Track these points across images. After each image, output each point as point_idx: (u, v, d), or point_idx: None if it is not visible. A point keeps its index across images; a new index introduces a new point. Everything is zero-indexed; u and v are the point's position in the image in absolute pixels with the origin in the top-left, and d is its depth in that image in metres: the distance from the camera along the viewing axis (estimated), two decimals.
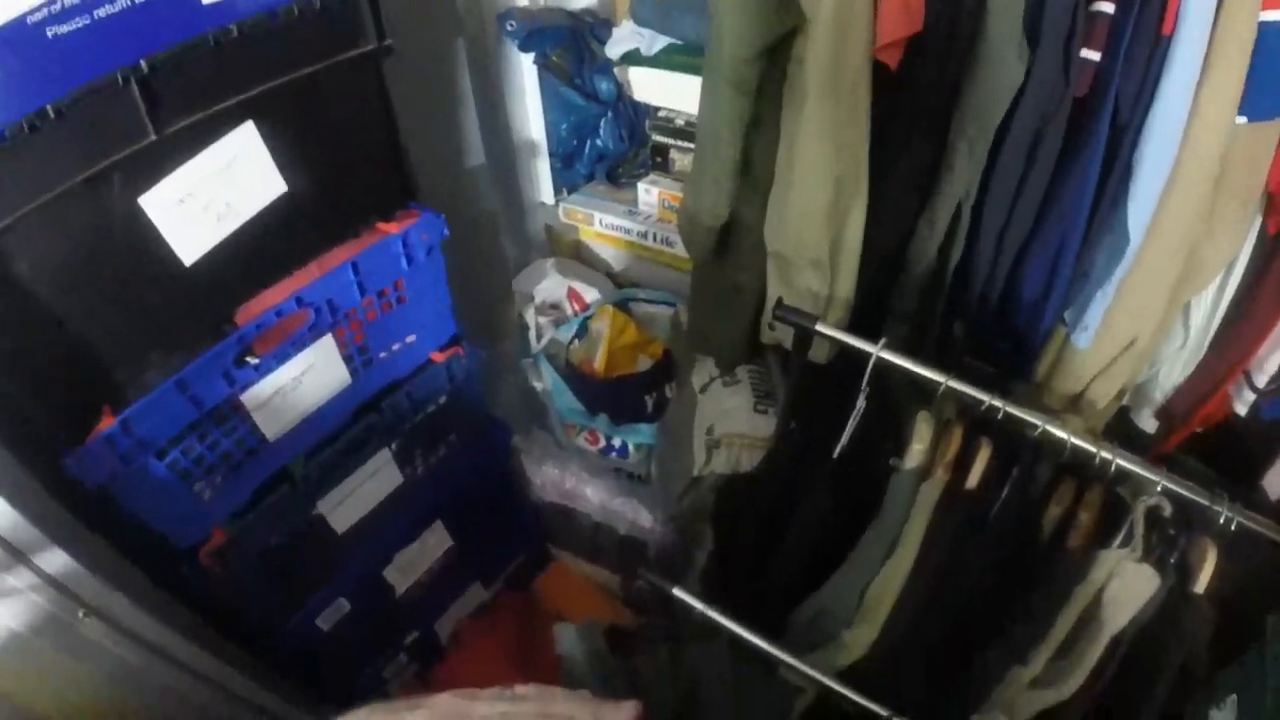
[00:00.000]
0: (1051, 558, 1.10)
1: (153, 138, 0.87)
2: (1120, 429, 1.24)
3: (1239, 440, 1.18)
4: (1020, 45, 0.90)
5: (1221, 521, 1.03)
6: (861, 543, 1.15)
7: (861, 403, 1.15)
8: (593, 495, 1.69)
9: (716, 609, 1.17)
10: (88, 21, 0.78)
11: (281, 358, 1.08)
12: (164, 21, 0.84)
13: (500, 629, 1.65)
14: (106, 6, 0.79)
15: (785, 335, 1.34)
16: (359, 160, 1.14)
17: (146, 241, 0.92)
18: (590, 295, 1.76)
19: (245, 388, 1.05)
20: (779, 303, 1.21)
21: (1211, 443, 1.21)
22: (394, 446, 1.28)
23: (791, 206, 1.15)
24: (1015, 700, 1.07)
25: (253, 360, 1.05)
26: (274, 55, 0.96)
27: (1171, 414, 1.20)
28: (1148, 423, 1.21)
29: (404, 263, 1.18)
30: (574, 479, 1.69)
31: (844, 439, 1.18)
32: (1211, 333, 1.10)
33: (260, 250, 1.04)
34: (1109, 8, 0.87)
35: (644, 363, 1.74)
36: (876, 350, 1.11)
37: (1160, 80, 0.88)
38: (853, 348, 1.14)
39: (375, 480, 1.26)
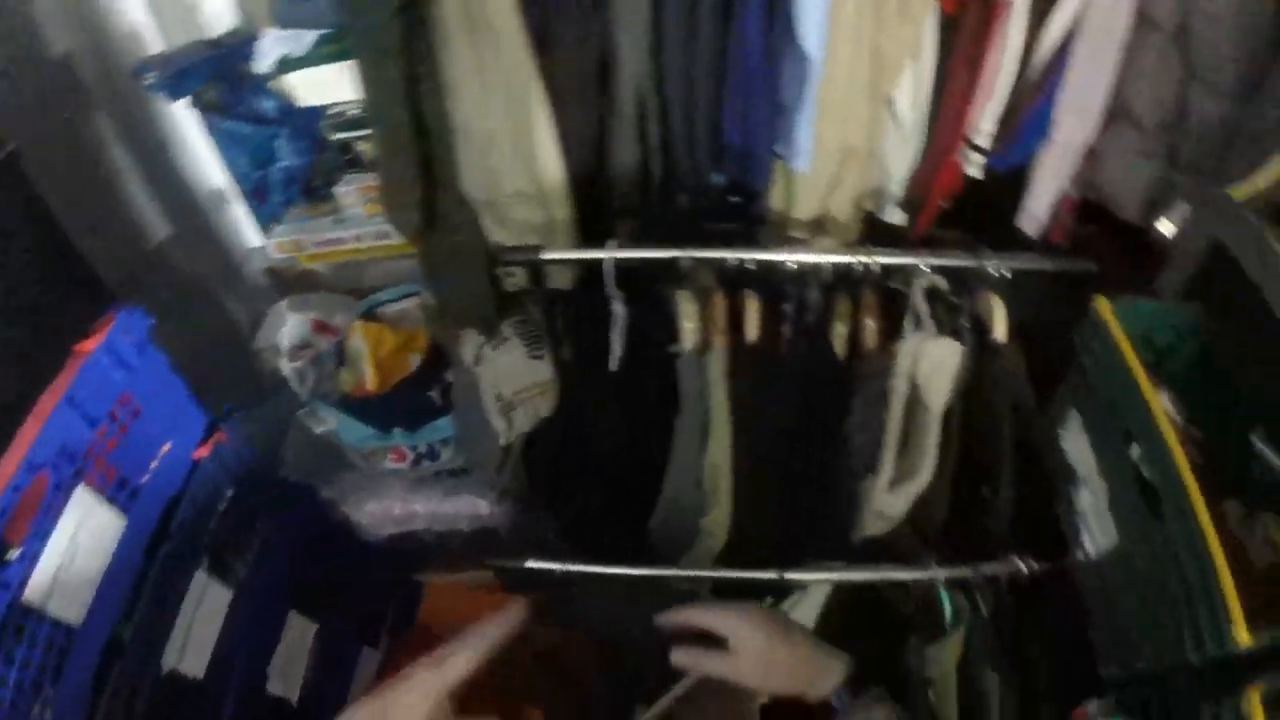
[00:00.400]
0: (857, 369, 1.17)
1: None
2: (875, 233, 1.30)
3: (986, 199, 1.26)
4: None
5: (993, 273, 1.14)
6: (676, 436, 1.17)
7: (618, 308, 1.15)
8: (423, 509, 1.62)
9: (576, 560, 1.18)
10: None
11: (42, 534, 0.93)
12: None
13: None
14: None
15: (523, 278, 1.35)
16: (33, 286, 0.99)
17: None
18: (336, 319, 1.65)
19: (21, 585, 0.90)
20: (500, 248, 1.21)
21: (963, 212, 1.30)
22: (206, 564, 1.15)
23: (475, 150, 1.13)
24: (883, 507, 1.16)
25: (13, 553, 0.89)
26: None
27: (915, 203, 1.27)
28: (895, 216, 1.28)
29: (119, 374, 1.05)
30: (399, 504, 1.61)
31: (615, 350, 1.19)
32: (923, 117, 1.16)
33: None
34: None
35: (414, 360, 1.66)
36: (608, 254, 1.13)
37: None
38: (588, 261, 1.16)
39: (206, 606, 1.14)
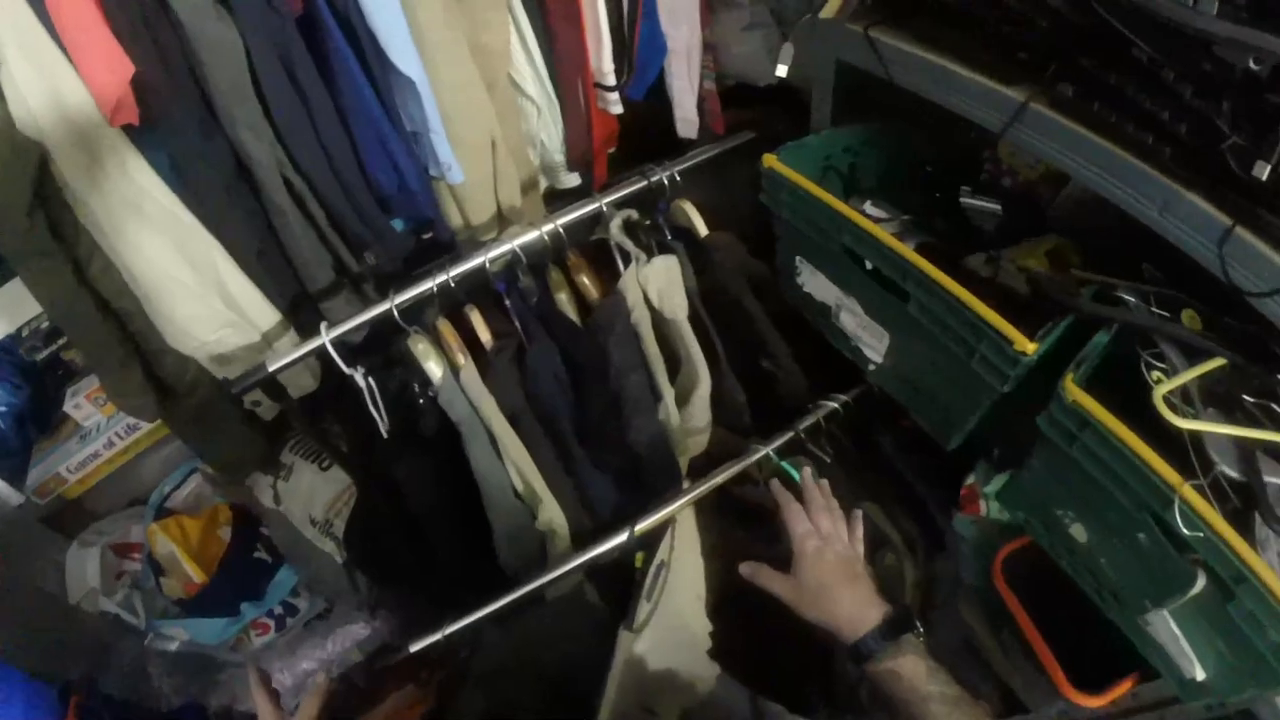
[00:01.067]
0: (597, 322, 1.20)
1: None
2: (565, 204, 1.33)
3: (645, 128, 1.35)
4: (211, 8, 0.91)
5: (667, 181, 1.22)
6: (473, 461, 1.16)
7: (361, 381, 1.16)
8: (312, 664, 1.57)
9: (447, 621, 1.15)
10: None
11: None
12: None
13: None
14: None
15: (268, 405, 1.33)
16: None
17: None
18: (133, 534, 1.58)
19: None
20: (227, 383, 1.19)
21: (632, 145, 1.38)
22: None
23: (165, 306, 1.12)
24: (687, 423, 1.19)
25: None
26: None
27: (584, 161, 1.33)
28: (571, 180, 1.35)
29: None
30: (284, 671, 1.56)
31: (381, 418, 1.18)
32: (550, 87, 1.22)
33: None
34: None
35: (226, 533, 1.60)
36: (325, 337, 1.13)
37: None
38: (311, 353, 1.14)
39: None
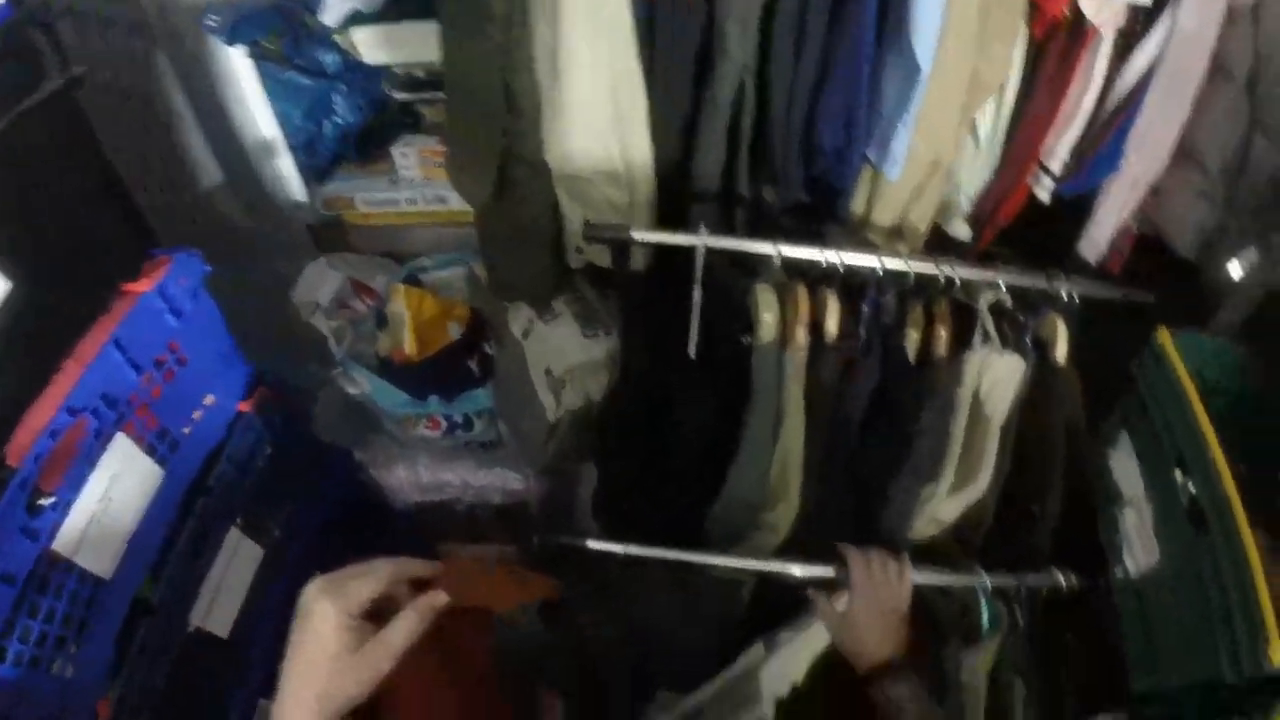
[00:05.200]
0: (926, 376, 1.17)
1: None
2: (939, 243, 1.31)
3: (1049, 223, 1.27)
4: None
5: (1061, 295, 1.15)
6: (748, 428, 1.16)
7: (697, 294, 1.14)
8: (454, 479, 1.60)
9: (623, 541, 1.17)
10: None
11: (77, 483, 0.90)
12: None
13: (426, 652, 1.54)
14: None
15: (597, 255, 1.31)
16: (81, 220, 0.96)
17: None
18: (376, 281, 1.62)
19: (52, 534, 0.87)
20: (587, 223, 1.18)
21: (1019, 231, 1.31)
22: (240, 521, 1.13)
23: (571, 126, 1.11)
24: (938, 513, 1.15)
25: (47, 500, 0.86)
26: None
27: (980, 218, 1.28)
28: (961, 230, 1.28)
29: (171, 319, 1.01)
30: (428, 471, 1.59)
31: (693, 334, 1.17)
32: (1000, 138, 1.17)
33: (2, 369, 0.84)
34: None
35: (455, 330, 1.63)
36: (702, 240, 1.11)
37: None
38: (682, 245, 1.13)
39: (236, 564, 1.11)
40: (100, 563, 0.93)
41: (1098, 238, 1.26)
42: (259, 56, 1.36)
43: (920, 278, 1.14)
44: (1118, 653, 1.11)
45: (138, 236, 1.05)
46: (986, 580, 1.16)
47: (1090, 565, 1.19)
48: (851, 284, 1.16)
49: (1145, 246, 1.27)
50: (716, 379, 1.18)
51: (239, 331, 1.20)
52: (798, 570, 1.14)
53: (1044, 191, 1.22)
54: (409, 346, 1.58)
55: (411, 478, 1.57)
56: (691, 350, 1.16)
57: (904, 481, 1.16)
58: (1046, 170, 1.20)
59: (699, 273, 1.12)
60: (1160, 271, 1.27)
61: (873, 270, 1.12)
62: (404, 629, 0.69)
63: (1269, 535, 0.96)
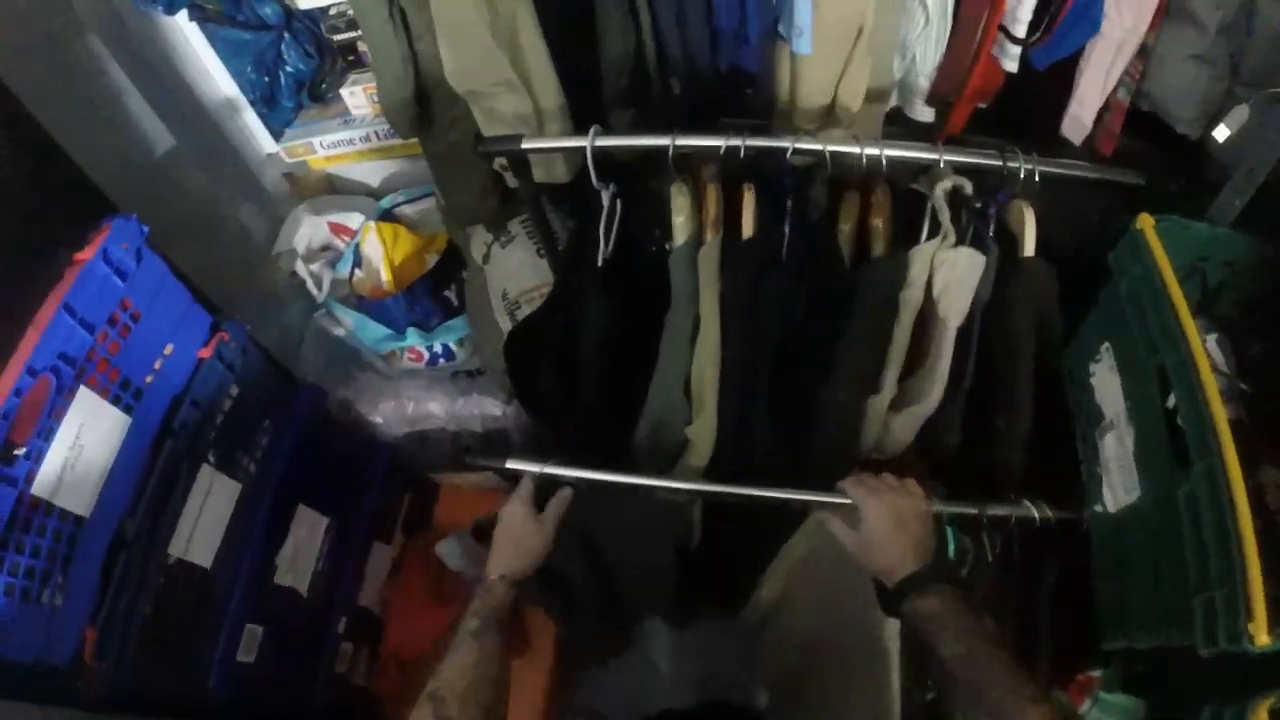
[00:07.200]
0: (863, 275, 1.07)
1: None
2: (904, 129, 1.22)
3: (1027, 102, 1.14)
4: None
5: (1023, 176, 1.00)
6: (664, 336, 1.09)
7: (606, 200, 1.10)
8: (438, 409, 1.66)
9: (555, 462, 1.14)
10: None
11: (47, 434, 0.99)
12: None
13: (421, 576, 1.62)
14: None
15: (544, 171, 1.27)
16: (28, 199, 1.03)
17: None
18: (353, 220, 1.67)
19: (29, 480, 0.97)
20: (477, 138, 1.16)
21: (1002, 115, 1.18)
22: (211, 458, 1.21)
23: (453, 40, 1.08)
24: (886, 430, 1.09)
25: (19, 450, 0.96)
26: None
27: (944, 96, 1.16)
28: (924, 113, 1.19)
29: (117, 280, 1.08)
30: (412, 402, 1.65)
31: (604, 243, 1.13)
32: (950, 3, 1.06)
33: None
34: None
35: (432, 260, 1.68)
36: (588, 142, 1.06)
37: None
38: (568, 150, 1.10)
39: (213, 499, 1.20)
40: (78, 502, 1.03)
41: (1081, 114, 1.12)
42: (201, 19, 1.40)
43: (850, 164, 1.02)
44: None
45: (91, 207, 1.11)
46: (946, 508, 1.06)
47: (1070, 497, 1.07)
48: (778, 179, 1.09)
49: (1141, 128, 1.11)
50: (635, 288, 1.14)
51: (213, 285, 1.28)
52: (729, 489, 1.09)
53: (1010, 61, 1.09)
54: (386, 282, 1.64)
55: (396, 410, 1.63)
56: (601, 258, 1.13)
57: (841, 398, 1.08)
58: (1009, 35, 1.07)
59: (595, 178, 1.09)
60: (1163, 156, 1.11)
61: (788, 155, 1.02)
62: (553, 511, 1.12)
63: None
